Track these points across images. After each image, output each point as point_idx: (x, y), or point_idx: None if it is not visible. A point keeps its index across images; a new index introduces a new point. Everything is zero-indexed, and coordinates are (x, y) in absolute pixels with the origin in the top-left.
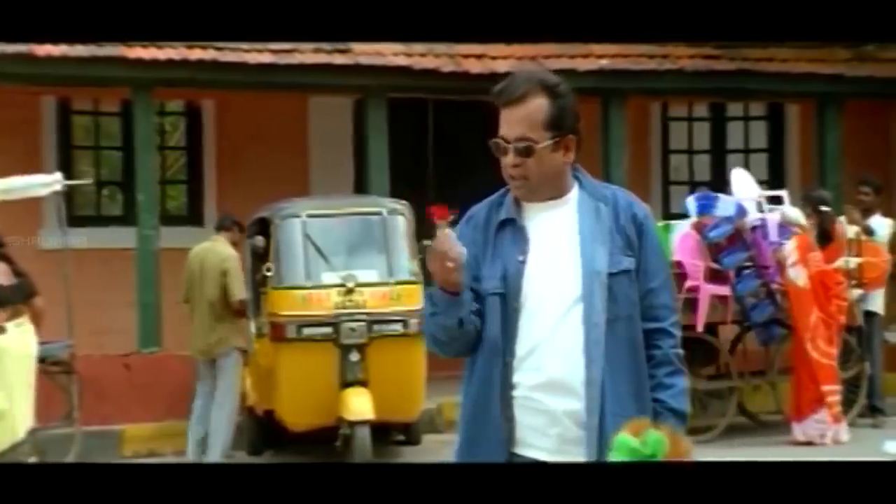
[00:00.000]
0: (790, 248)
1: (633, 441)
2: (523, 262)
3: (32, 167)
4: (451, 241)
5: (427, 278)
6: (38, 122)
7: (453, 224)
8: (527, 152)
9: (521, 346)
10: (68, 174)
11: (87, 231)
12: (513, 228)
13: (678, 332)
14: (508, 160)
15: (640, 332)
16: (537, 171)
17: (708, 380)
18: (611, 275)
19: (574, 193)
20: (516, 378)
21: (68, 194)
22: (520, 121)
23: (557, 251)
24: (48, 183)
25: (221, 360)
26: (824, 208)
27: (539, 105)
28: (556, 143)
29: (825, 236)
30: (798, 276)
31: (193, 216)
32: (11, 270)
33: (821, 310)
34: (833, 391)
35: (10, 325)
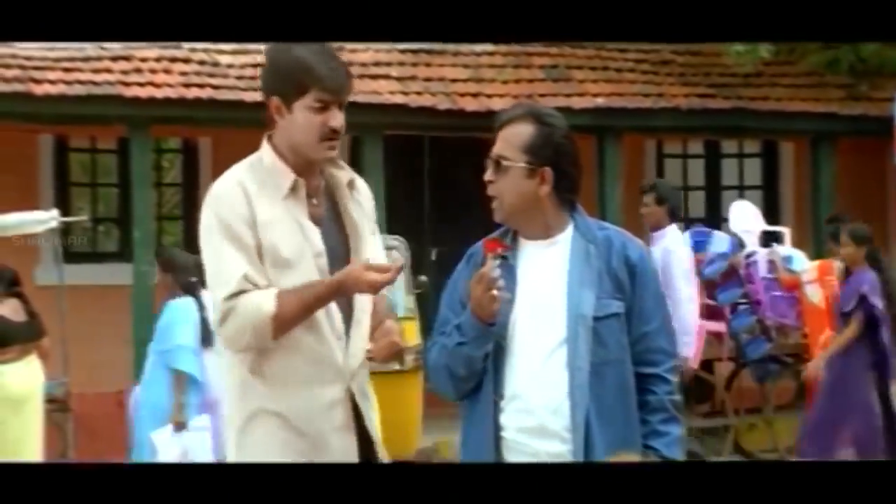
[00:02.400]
0: (811, 266)
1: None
2: (510, 301)
3: (29, 204)
4: (497, 271)
5: (423, 314)
6: (35, 160)
7: (503, 258)
8: (498, 169)
9: (509, 387)
10: (65, 211)
11: (83, 267)
12: (505, 267)
13: (675, 378)
14: (486, 176)
15: (632, 376)
16: (507, 193)
17: (703, 417)
18: (597, 319)
19: (568, 234)
20: (503, 420)
21: (64, 231)
22: (503, 140)
23: (545, 293)
24: (44, 220)
25: None
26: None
27: (522, 129)
28: (531, 169)
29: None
30: (814, 294)
31: (190, 252)
32: (24, 309)
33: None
34: None
35: (19, 363)
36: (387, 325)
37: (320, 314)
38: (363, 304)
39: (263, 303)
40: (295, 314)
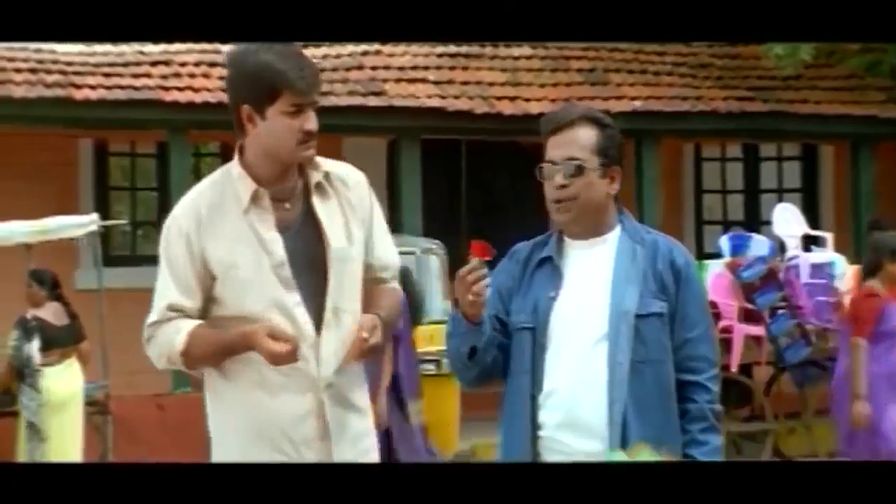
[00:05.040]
0: (847, 276)
1: (625, 458)
2: (553, 299)
3: (69, 208)
4: (480, 274)
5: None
6: (75, 164)
7: (488, 264)
8: (577, 172)
9: (548, 383)
10: (104, 215)
11: (122, 271)
12: (550, 266)
13: (716, 387)
14: (556, 181)
15: (672, 379)
16: (584, 195)
17: (742, 421)
18: (639, 316)
19: (615, 234)
20: (542, 417)
21: (104, 234)
22: (570, 143)
23: (589, 290)
24: (84, 224)
25: None
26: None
27: (588, 132)
28: (604, 170)
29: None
30: None
31: None
32: (66, 312)
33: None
34: None
35: (60, 366)
36: (361, 321)
37: (281, 319)
38: (337, 303)
39: (175, 339)
40: (205, 355)
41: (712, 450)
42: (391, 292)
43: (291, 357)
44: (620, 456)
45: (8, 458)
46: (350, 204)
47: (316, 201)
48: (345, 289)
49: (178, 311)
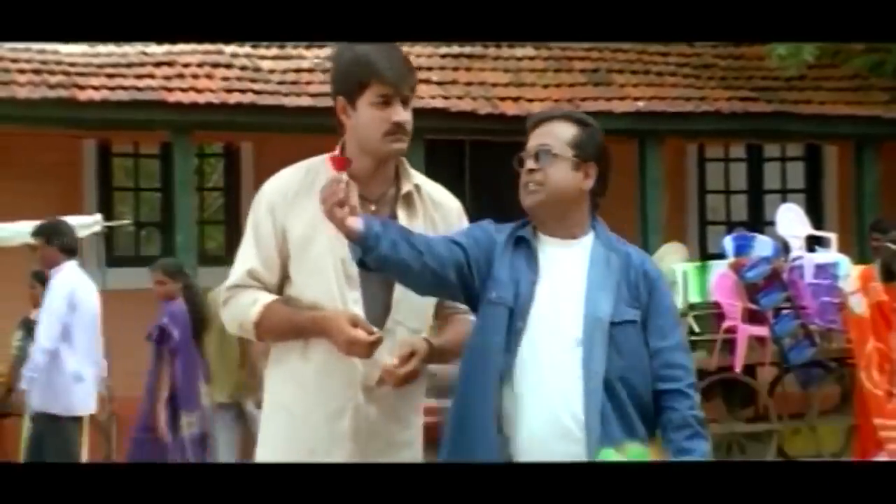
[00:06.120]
0: (852, 276)
1: (616, 455)
2: (534, 284)
3: (73, 209)
4: (339, 190)
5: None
6: (78, 165)
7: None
8: (547, 157)
9: (522, 372)
10: (108, 215)
11: (126, 271)
12: (528, 250)
13: (695, 395)
14: (527, 165)
15: (649, 388)
16: (553, 182)
17: (746, 422)
18: (614, 324)
19: (589, 239)
20: (526, 417)
21: (107, 235)
22: (546, 134)
23: (564, 290)
24: (87, 224)
25: (251, 407)
26: (892, 245)
27: (565, 127)
28: (577, 163)
29: (890, 273)
30: (858, 304)
31: (231, 256)
32: None
33: (878, 339)
34: (885, 426)
35: None
36: (399, 345)
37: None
38: (397, 315)
39: (251, 309)
40: (275, 330)
41: (701, 457)
42: (460, 322)
43: (370, 349)
44: (612, 455)
45: (12, 459)
46: (433, 223)
47: (401, 211)
48: (409, 303)
49: (256, 280)
